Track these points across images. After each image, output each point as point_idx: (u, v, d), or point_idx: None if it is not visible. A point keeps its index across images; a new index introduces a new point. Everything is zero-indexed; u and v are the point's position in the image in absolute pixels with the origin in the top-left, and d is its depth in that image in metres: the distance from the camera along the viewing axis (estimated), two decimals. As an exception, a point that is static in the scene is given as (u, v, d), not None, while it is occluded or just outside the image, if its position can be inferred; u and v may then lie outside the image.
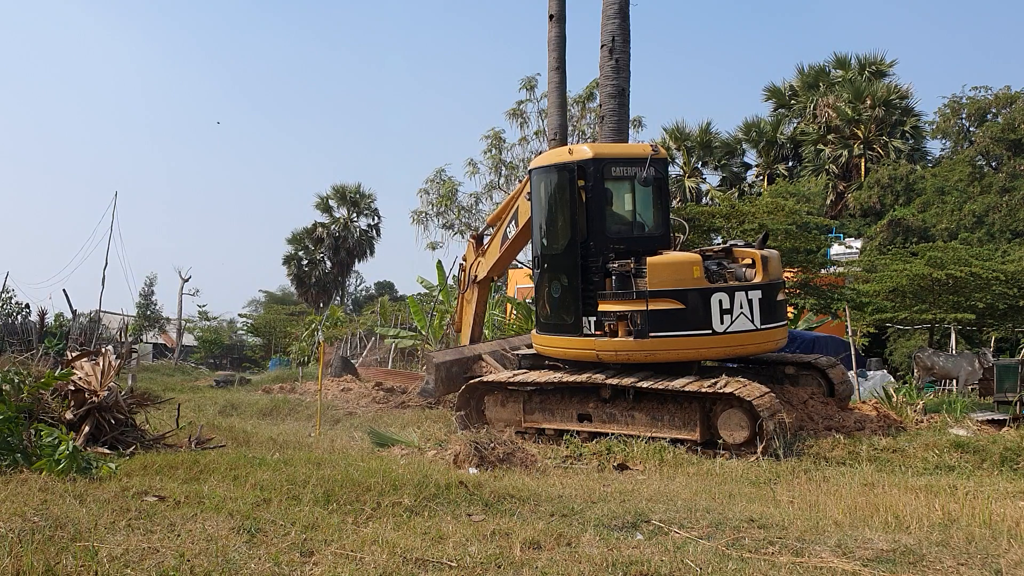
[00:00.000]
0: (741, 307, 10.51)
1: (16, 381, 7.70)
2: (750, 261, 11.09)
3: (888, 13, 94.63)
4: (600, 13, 16.69)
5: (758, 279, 10.84)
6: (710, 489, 7.50)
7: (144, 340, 40.26)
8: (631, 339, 10.51)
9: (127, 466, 7.09)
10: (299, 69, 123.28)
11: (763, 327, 10.68)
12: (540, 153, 13.17)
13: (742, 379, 10.30)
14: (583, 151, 11.50)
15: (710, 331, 10.42)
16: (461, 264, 15.72)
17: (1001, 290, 20.51)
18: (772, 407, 9.77)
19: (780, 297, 11.26)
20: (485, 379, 12.04)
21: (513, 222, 13.54)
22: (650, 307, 10.40)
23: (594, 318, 10.89)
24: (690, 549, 5.02)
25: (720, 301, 10.41)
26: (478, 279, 14.73)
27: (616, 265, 10.85)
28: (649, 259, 10.65)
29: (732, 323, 10.46)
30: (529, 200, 12.28)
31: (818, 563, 4.84)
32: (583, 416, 11.01)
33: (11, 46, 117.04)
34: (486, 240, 14.73)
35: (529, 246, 13.76)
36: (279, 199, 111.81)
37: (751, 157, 41.58)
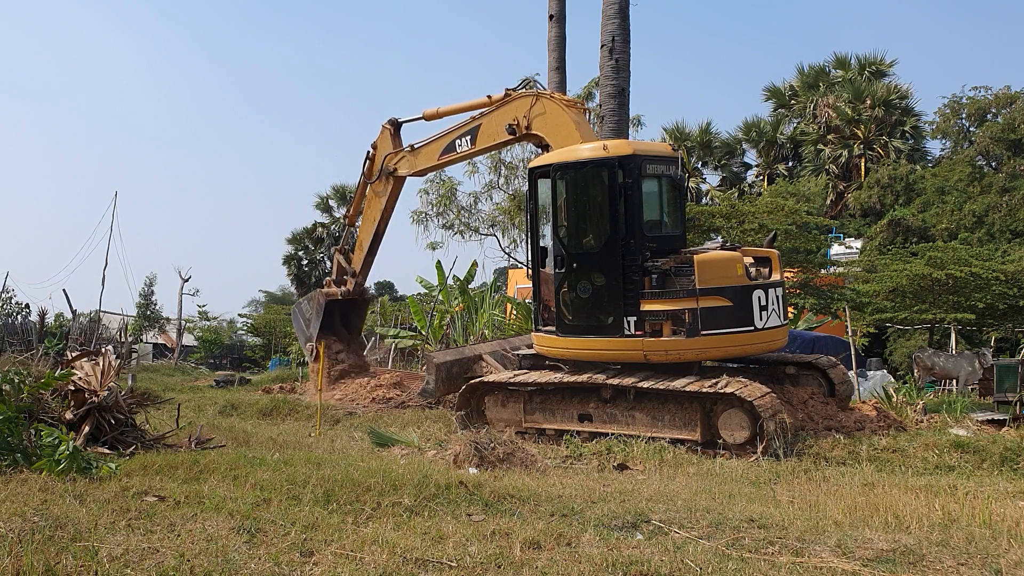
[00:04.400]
0: (773, 304, 10.71)
1: (16, 381, 7.69)
2: (753, 260, 11.16)
3: (888, 13, 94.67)
4: (600, 13, 16.67)
5: (776, 277, 11.02)
6: (710, 489, 7.50)
7: (144, 340, 40.22)
8: (681, 338, 10.47)
9: (127, 466, 7.09)
10: (299, 70, 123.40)
11: (785, 322, 11.08)
12: (539, 154, 12.95)
13: (743, 379, 10.31)
14: (621, 147, 11.34)
15: (752, 327, 10.52)
16: (369, 151, 15.05)
17: (1001, 290, 20.52)
18: (773, 407, 9.77)
19: None
20: (486, 379, 12.01)
21: (469, 137, 13.17)
22: (700, 305, 10.40)
23: (635, 318, 10.76)
24: (690, 549, 5.02)
25: (759, 298, 10.57)
26: (397, 173, 14.30)
27: (660, 263, 10.78)
28: (697, 257, 10.65)
29: (768, 319, 10.63)
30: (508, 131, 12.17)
31: (818, 563, 4.84)
32: (584, 416, 10.99)
33: (13, 47, 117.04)
34: (414, 138, 14.34)
35: (523, 238, 13.61)
36: (279, 199, 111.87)
37: (751, 157, 41.67)
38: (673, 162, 11.47)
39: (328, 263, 49.30)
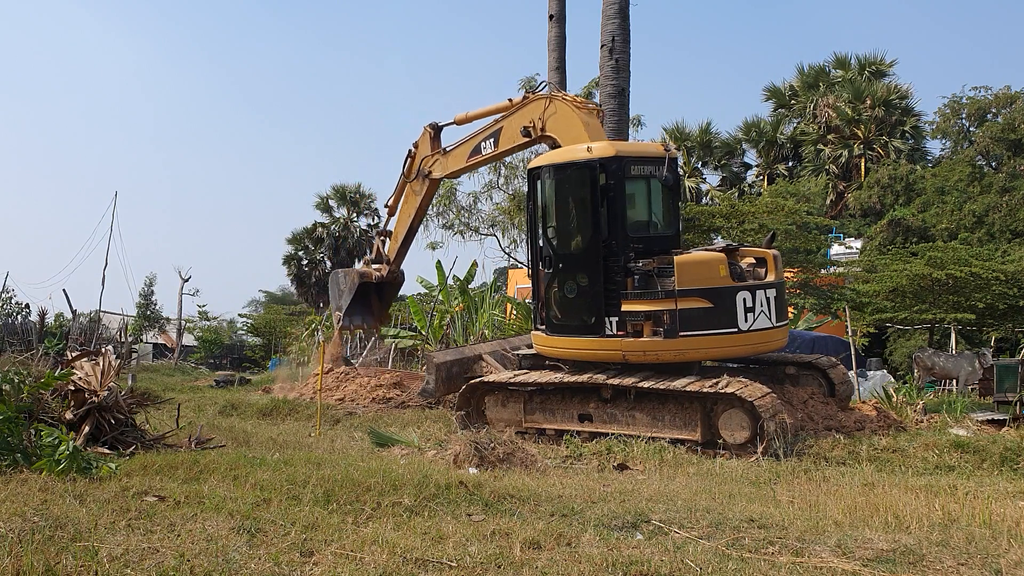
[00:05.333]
0: (761, 305, 10.59)
1: (16, 381, 7.69)
2: (753, 260, 11.13)
3: (888, 13, 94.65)
4: (600, 13, 16.67)
5: (771, 278, 10.90)
6: (710, 489, 7.50)
7: (144, 340, 40.24)
8: (660, 339, 10.48)
9: (127, 466, 7.09)
10: (299, 70, 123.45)
11: (778, 325, 10.88)
12: (540, 154, 13.15)
13: (743, 379, 10.30)
14: (604, 148, 11.38)
15: (736, 329, 10.46)
16: (410, 150, 15.55)
17: (1001, 290, 20.51)
18: (773, 407, 9.77)
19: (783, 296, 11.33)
20: (486, 379, 12.02)
21: (492, 140, 13.37)
22: (679, 306, 10.38)
23: (616, 318, 10.80)
24: (690, 549, 5.02)
25: (744, 299, 10.48)
26: (432, 175, 14.68)
27: (641, 264, 10.79)
28: (677, 258, 10.64)
29: (755, 321, 10.53)
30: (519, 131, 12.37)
31: (818, 563, 4.84)
32: (584, 416, 11.00)
33: (13, 47, 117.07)
34: (449, 141, 14.69)
35: (523, 238, 13.68)
36: (279, 199, 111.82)
37: (751, 157, 41.66)
38: (660, 162, 11.37)
39: (328, 263, 49.33)
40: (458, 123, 14.95)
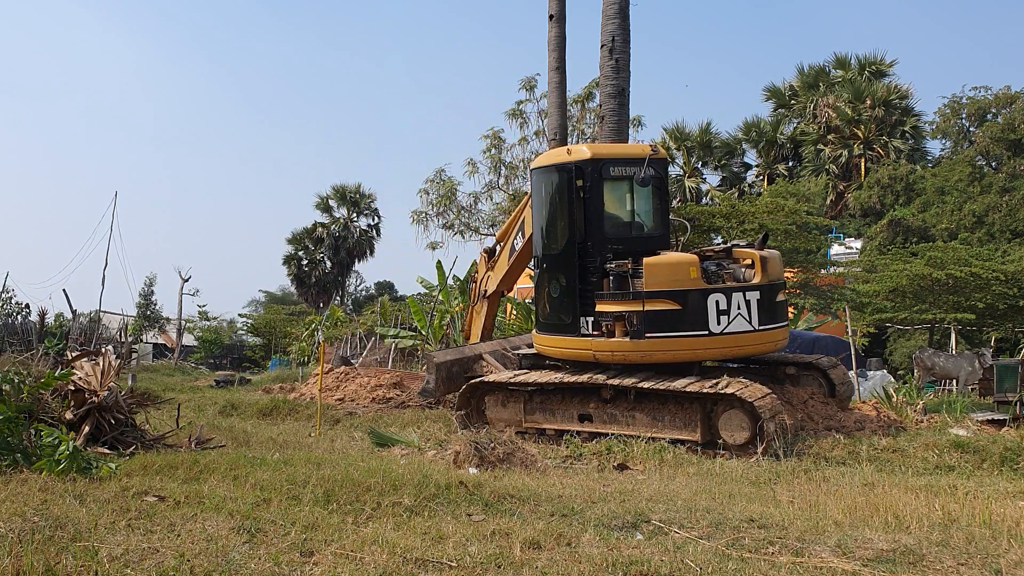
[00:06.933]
0: (738, 308, 10.50)
1: (16, 381, 7.69)
2: (749, 262, 11.09)
3: (888, 13, 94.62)
4: (600, 13, 16.68)
5: (757, 280, 10.82)
6: (710, 489, 7.50)
7: (144, 340, 40.26)
8: (628, 339, 10.51)
9: (127, 466, 7.09)
10: (299, 70, 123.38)
11: (761, 328, 10.66)
12: (540, 153, 13.22)
13: (743, 380, 10.29)
14: (581, 151, 11.53)
15: (706, 332, 10.40)
16: (472, 275, 15.85)
17: (1001, 290, 20.54)
18: (773, 408, 9.76)
19: (780, 298, 11.23)
20: (486, 379, 12.04)
21: (520, 233, 13.55)
22: (646, 307, 10.39)
23: (591, 318, 10.90)
24: (690, 549, 5.02)
25: (717, 302, 10.41)
26: (488, 293, 14.83)
27: (613, 265, 10.85)
28: (646, 259, 10.64)
29: (729, 324, 10.46)
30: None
31: (818, 563, 4.84)
32: (584, 416, 11.00)
33: (13, 47, 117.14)
34: (496, 253, 14.75)
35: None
36: (279, 199, 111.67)
37: (751, 157, 41.67)
38: (641, 163, 11.24)
39: (328, 263, 49.43)
40: (499, 240, 15.12)
